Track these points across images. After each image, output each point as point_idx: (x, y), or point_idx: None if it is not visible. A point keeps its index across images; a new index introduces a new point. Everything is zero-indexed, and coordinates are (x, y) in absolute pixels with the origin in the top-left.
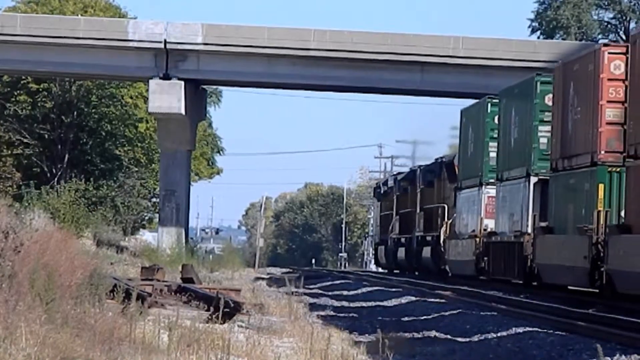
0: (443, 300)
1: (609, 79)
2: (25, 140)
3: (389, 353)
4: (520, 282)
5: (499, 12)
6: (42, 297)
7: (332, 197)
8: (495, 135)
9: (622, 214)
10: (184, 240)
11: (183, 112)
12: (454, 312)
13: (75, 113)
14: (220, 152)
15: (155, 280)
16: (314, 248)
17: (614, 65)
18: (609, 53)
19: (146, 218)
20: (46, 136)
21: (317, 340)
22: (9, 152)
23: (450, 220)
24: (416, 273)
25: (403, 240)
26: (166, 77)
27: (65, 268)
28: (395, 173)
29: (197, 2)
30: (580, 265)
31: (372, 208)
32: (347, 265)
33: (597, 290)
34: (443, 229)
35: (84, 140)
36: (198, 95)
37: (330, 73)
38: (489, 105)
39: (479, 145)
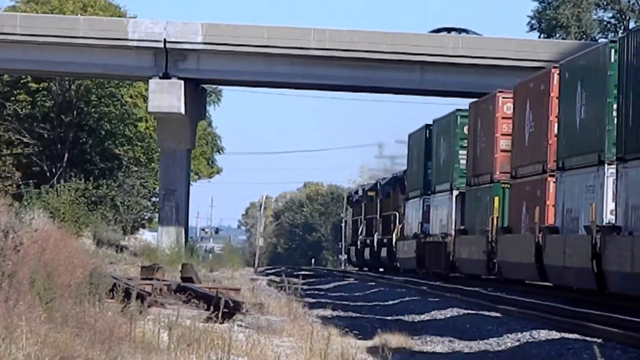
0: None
1: (502, 117)
2: (24, 140)
3: (389, 353)
4: (445, 273)
5: (499, 11)
6: (42, 296)
7: (331, 197)
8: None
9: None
10: (183, 240)
11: (183, 111)
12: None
13: (75, 112)
14: (220, 151)
15: (155, 280)
16: (314, 247)
17: (506, 107)
18: (503, 97)
19: (146, 217)
20: (46, 135)
21: (316, 340)
22: (9, 151)
23: (401, 225)
24: (380, 270)
25: (368, 242)
26: (166, 76)
27: (65, 267)
28: (363, 184)
29: (197, 2)
30: (481, 258)
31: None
32: (346, 264)
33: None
34: (395, 232)
35: (84, 139)
36: (198, 95)
37: (330, 72)
38: (428, 131)
39: (420, 163)
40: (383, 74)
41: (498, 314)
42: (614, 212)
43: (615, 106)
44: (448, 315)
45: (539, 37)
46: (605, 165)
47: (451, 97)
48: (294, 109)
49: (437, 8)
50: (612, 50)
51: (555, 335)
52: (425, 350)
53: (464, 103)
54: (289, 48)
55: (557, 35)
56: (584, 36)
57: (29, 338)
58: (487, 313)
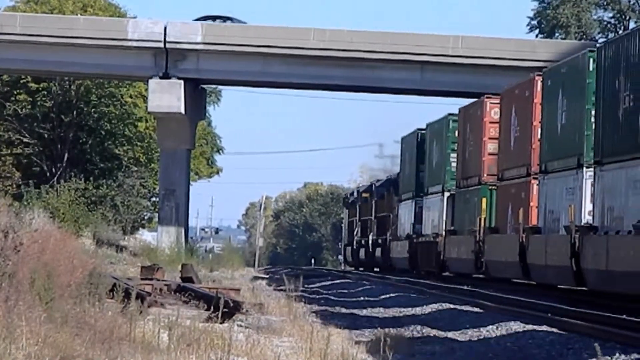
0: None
1: (490, 122)
2: (25, 140)
3: (389, 352)
4: (436, 272)
5: (499, 11)
6: (42, 296)
7: (331, 197)
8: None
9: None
10: (183, 240)
11: (183, 111)
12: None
13: (74, 112)
14: (220, 151)
15: (154, 280)
16: (314, 248)
17: (493, 112)
18: (490, 103)
19: (146, 217)
20: (46, 135)
21: (317, 340)
22: (9, 151)
23: (394, 226)
24: (376, 269)
25: (363, 242)
26: (166, 76)
27: (65, 267)
28: (359, 186)
29: (197, 2)
30: (469, 258)
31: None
32: (345, 264)
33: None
34: (389, 232)
35: (84, 139)
36: (197, 95)
37: (329, 72)
38: (419, 135)
39: (413, 166)
40: (382, 73)
41: (495, 312)
42: (591, 213)
43: (593, 112)
44: (446, 314)
45: (536, 36)
46: (584, 168)
47: (451, 97)
48: (294, 109)
49: (436, 7)
50: (591, 59)
51: (555, 334)
52: (424, 350)
53: (464, 103)
54: (289, 48)
55: (557, 35)
56: (584, 36)
57: (29, 338)
58: (484, 311)
